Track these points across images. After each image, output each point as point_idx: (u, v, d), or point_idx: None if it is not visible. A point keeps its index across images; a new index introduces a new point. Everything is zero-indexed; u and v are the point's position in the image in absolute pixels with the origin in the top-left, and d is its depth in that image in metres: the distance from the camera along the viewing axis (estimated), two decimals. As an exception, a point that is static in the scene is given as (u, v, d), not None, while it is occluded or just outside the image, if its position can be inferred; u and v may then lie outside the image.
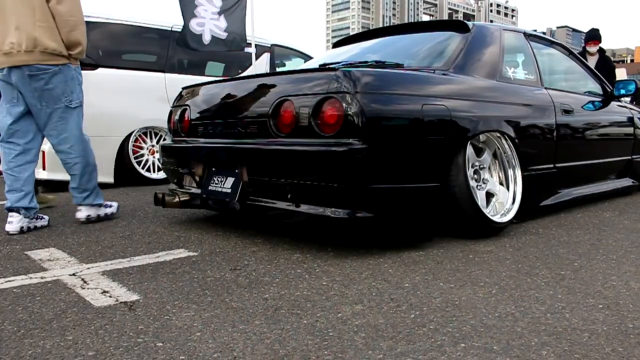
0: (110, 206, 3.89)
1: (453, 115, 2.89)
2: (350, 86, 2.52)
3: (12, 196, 3.45)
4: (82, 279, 2.38)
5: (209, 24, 6.35)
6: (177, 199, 3.44)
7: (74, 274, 2.46)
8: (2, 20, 3.33)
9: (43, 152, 5.26)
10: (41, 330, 1.80)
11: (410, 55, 3.57)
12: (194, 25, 6.22)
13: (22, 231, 3.40)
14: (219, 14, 6.42)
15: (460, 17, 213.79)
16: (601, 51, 7.34)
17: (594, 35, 7.38)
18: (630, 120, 4.90)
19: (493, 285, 2.23)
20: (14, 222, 3.40)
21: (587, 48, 7.33)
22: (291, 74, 3.03)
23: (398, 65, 3.08)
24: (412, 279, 2.32)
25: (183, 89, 3.78)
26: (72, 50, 3.42)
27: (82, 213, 3.71)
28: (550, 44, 4.49)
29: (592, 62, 7.08)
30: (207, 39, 6.31)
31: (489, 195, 3.25)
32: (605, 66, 7.05)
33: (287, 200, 2.74)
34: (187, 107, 3.53)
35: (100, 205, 3.77)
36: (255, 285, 2.25)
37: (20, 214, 3.42)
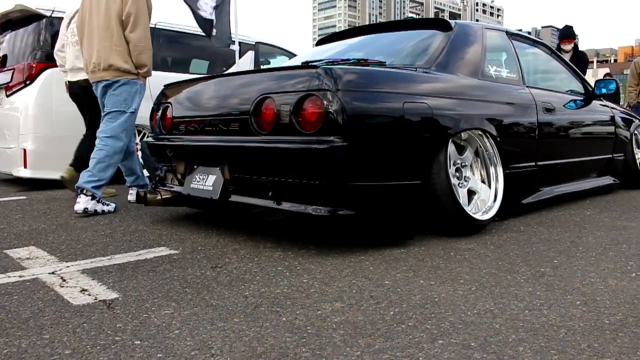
0: (109, 205, 4.03)
1: (434, 113, 2.90)
2: (331, 84, 2.52)
3: (128, 179, 4.44)
4: (61, 278, 2.36)
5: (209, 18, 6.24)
6: (159, 197, 3.42)
7: (53, 273, 2.44)
8: (90, 43, 4.08)
9: (25, 150, 5.22)
10: (17, 329, 1.78)
11: (392, 53, 3.58)
12: (204, 14, 6.14)
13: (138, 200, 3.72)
14: (214, 8, 6.35)
15: (446, 15, 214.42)
16: (575, 47, 7.36)
17: (568, 34, 7.38)
18: (611, 118, 4.95)
19: (473, 283, 2.25)
20: (133, 194, 4.04)
21: (562, 46, 7.33)
22: (272, 71, 3.03)
23: (380, 63, 3.09)
24: (393, 276, 2.33)
25: (165, 86, 3.76)
26: (140, 69, 4.06)
27: (80, 205, 3.86)
28: (533, 43, 4.53)
29: (566, 59, 7.12)
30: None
31: (471, 193, 3.27)
32: (578, 62, 7.07)
33: (269, 198, 2.74)
34: (169, 105, 3.51)
35: (98, 201, 3.92)
36: (235, 283, 2.25)
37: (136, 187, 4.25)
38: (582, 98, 4.67)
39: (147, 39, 4.01)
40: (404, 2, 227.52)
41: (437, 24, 3.74)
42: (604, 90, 4.71)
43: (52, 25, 5.44)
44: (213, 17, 6.18)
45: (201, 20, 6.10)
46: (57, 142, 5.29)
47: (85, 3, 4.11)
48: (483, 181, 3.35)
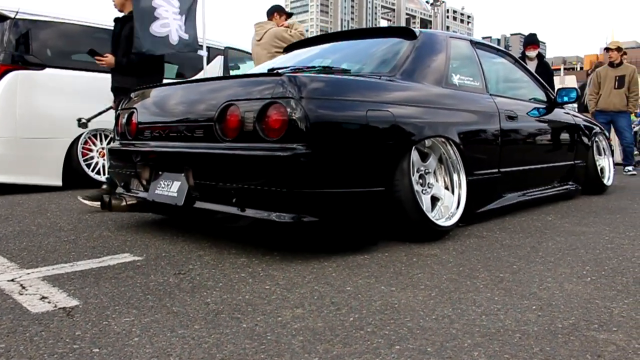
0: None
1: (398, 121, 2.94)
2: (294, 91, 2.54)
3: None
4: (21, 285, 2.33)
5: (174, 24, 6.18)
6: (124, 203, 3.40)
7: (12, 280, 2.40)
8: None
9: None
10: (-27, 338, 1.76)
11: (357, 61, 3.62)
12: (156, 28, 6.03)
13: None
14: (180, 14, 6.28)
15: (417, 22, 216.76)
16: (540, 57, 7.53)
17: (532, 40, 7.57)
18: (573, 126, 5.06)
19: (433, 288, 2.28)
20: None
21: (527, 53, 7.50)
22: (237, 78, 3.04)
23: (345, 71, 3.12)
24: (355, 282, 2.36)
25: (130, 91, 3.74)
26: None
27: None
28: (497, 52, 4.62)
29: (531, 67, 7.26)
30: (174, 39, 6.15)
31: (435, 200, 3.31)
32: (545, 72, 7.24)
33: (233, 205, 2.74)
34: (135, 110, 3.49)
35: None
36: (198, 290, 2.25)
37: None
38: (544, 106, 4.77)
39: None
40: (376, 8, 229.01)
41: (403, 32, 3.79)
42: (565, 99, 4.82)
43: (17, 26, 5.36)
44: (170, 27, 6.11)
45: (149, 37, 5.99)
46: (21, 145, 5.22)
47: None
48: (447, 188, 3.40)
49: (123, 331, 1.81)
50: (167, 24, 6.07)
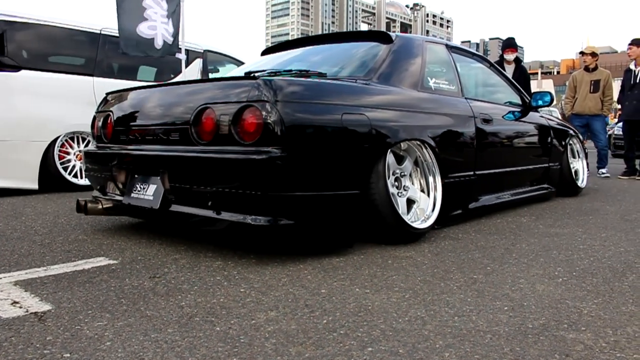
0: None
1: (373, 125, 2.97)
2: (270, 95, 2.55)
3: None
4: (-7, 290, 2.31)
5: (161, 27, 6.17)
6: (100, 206, 3.38)
7: (-17, 285, 2.38)
8: None
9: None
10: (-58, 344, 1.74)
11: (334, 65, 3.64)
12: (143, 29, 6.01)
13: None
14: (168, 17, 6.28)
15: (397, 26, 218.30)
16: (517, 61, 7.64)
17: (510, 44, 7.70)
18: (548, 129, 5.13)
19: (407, 290, 2.30)
20: None
21: (505, 56, 7.61)
22: (213, 81, 3.03)
23: (321, 75, 3.13)
24: (330, 284, 2.37)
25: (107, 94, 3.72)
26: None
27: None
28: (472, 56, 4.66)
29: (509, 70, 7.36)
30: (159, 43, 6.14)
31: (410, 202, 3.34)
32: (522, 77, 7.36)
33: (208, 208, 2.74)
34: (111, 113, 3.47)
35: None
36: (172, 293, 2.24)
37: None
38: (519, 109, 4.84)
39: None
40: (356, 12, 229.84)
41: (379, 36, 3.81)
42: (540, 102, 4.90)
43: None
44: (157, 30, 6.10)
45: (134, 38, 5.98)
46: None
47: None
48: (422, 190, 3.43)
49: (95, 335, 1.80)
50: (155, 26, 6.06)
